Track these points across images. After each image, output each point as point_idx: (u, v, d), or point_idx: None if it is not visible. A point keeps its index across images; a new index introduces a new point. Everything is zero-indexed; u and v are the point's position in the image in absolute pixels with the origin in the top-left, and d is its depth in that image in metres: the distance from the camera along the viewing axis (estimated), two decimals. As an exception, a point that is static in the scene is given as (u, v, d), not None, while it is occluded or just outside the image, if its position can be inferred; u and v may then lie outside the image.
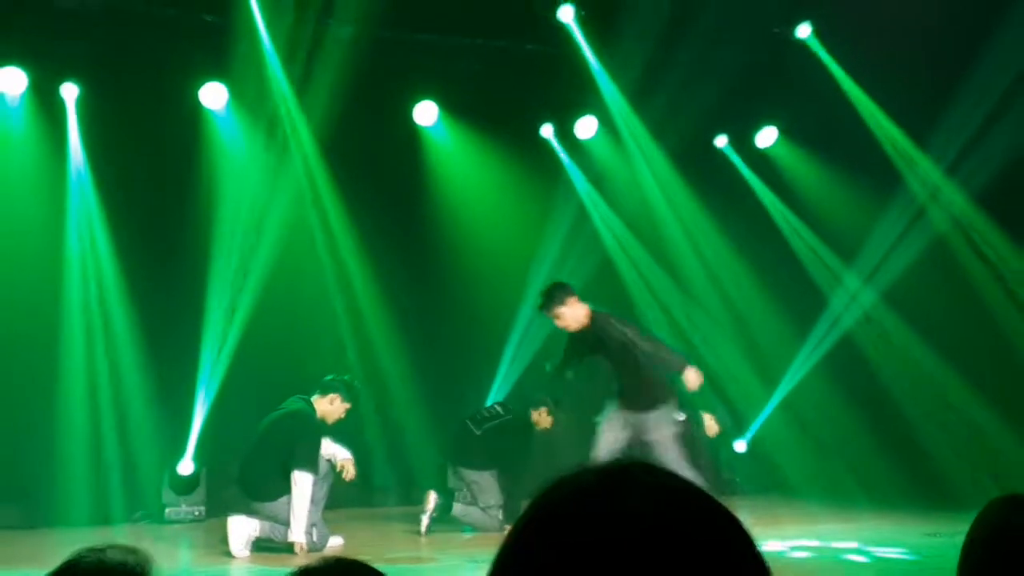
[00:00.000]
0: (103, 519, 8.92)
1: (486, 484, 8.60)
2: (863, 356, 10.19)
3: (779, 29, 10.06)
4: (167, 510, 9.21)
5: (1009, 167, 9.06)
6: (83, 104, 9.07)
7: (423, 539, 8.50)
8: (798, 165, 10.88)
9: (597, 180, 10.78)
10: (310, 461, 7.54)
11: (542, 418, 8.88)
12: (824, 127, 10.30)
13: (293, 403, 7.87)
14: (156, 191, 9.10)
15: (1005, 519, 1.85)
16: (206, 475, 9.28)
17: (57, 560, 1.87)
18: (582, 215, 10.75)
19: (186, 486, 9.24)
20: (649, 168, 10.55)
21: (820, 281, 10.64)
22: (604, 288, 9.95)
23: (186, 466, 9.20)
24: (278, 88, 9.36)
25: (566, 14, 9.85)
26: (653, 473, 0.95)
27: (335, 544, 7.90)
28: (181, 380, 9.22)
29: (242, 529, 7.57)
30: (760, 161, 11.01)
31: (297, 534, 7.52)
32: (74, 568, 1.88)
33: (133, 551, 1.88)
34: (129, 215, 9.18)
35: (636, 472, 0.95)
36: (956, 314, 9.56)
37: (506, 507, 8.54)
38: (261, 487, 7.61)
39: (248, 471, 7.72)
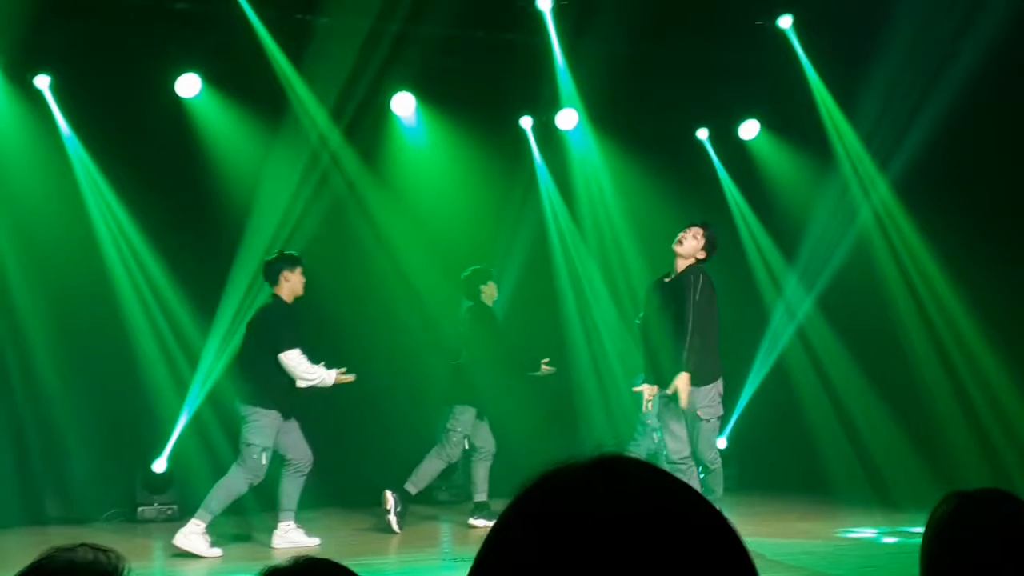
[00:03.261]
0: (74, 518, 8.76)
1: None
2: (812, 353, 10.30)
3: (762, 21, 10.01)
4: (139, 509, 9.06)
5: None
6: (58, 93, 8.91)
7: (399, 536, 8.41)
8: (777, 159, 10.84)
9: (563, 173, 10.66)
10: (291, 341, 7.82)
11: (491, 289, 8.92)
12: (796, 121, 10.36)
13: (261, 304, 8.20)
14: (146, 186, 8.97)
15: (953, 513, 1.98)
16: (179, 474, 9.13)
17: (26, 560, 1.78)
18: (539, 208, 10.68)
19: (160, 484, 9.09)
20: (619, 161, 10.48)
21: (768, 277, 10.75)
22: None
23: (160, 464, 9.06)
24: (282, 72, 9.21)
25: (544, 3, 9.78)
26: (638, 469, 0.95)
27: (311, 544, 7.81)
28: (176, 378, 9.09)
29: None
30: (739, 154, 10.93)
31: (319, 374, 7.82)
32: (43, 569, 1.80)
33: (104, 550, 1.80)
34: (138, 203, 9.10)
35: (621, 468, 0.94)
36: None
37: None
38: (261, 386, 7.83)
39: (246, 375, 7.95)
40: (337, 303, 9.35)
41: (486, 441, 8.92)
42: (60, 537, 2.17)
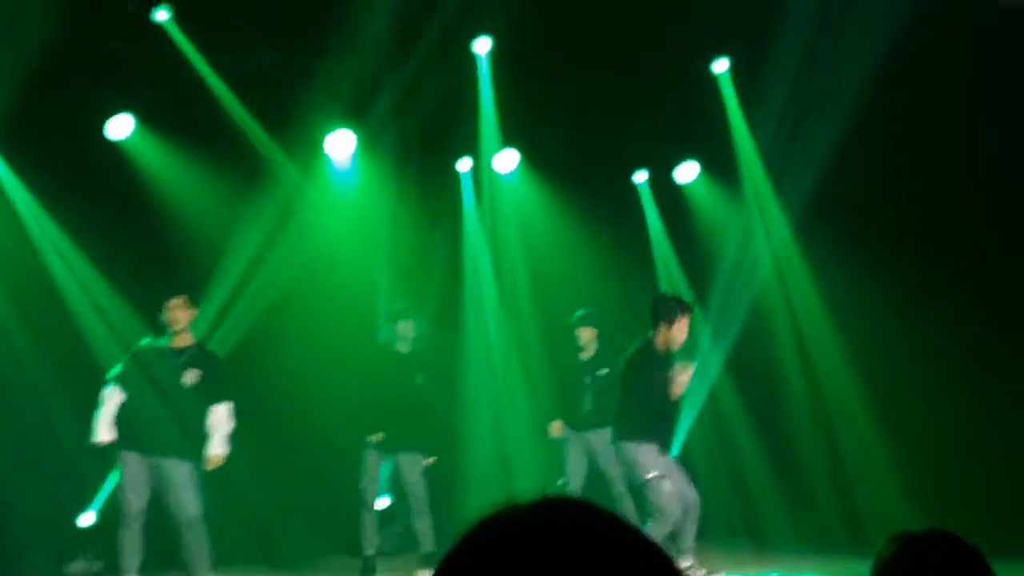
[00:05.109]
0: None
1: None
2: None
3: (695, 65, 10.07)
4: (65, 564, 8.70)
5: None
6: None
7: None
8: (711, 204, 10.85)
9: (497, 217, 10.60)
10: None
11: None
12: (730, 166, 10.41)
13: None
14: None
15: (898, 555, 1.97)
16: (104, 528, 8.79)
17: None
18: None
19: (87, 540, 8.76)
20: (554, 204, 10.47)
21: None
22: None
23: (88, 518, 8.73)
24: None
25: (481, 47, 9.77)
26: (581, 508, 0.94)
27: None
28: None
29: None
30: (674, 198, 10.92)
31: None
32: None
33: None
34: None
35: (564, 508, 0.94)
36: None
37: None
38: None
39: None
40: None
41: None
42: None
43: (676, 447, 9.55)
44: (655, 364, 7.40)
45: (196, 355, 7.59)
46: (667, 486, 7.25)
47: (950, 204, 8.99)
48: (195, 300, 7.72)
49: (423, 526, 8.68)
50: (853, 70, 8.90)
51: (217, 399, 7.50)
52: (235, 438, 7.64)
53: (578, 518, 0.93)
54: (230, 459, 8.07)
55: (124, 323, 8.64)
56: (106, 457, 8.44)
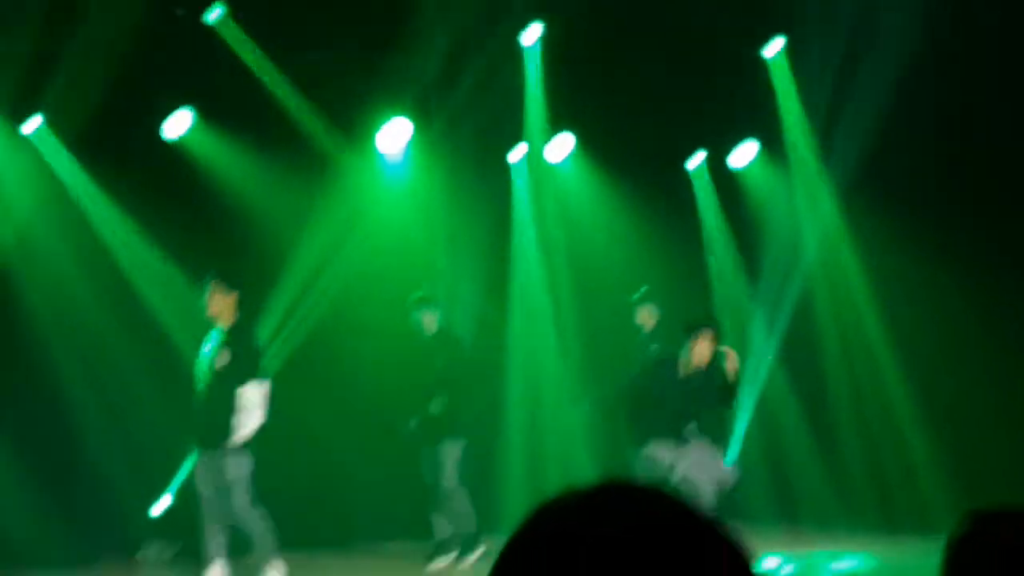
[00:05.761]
0: (76, 559, 8.58)
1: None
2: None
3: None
4: (138, 553, 8.94)
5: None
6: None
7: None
8: (768, 187, 10.84)
9: (550, 204, 10.67)
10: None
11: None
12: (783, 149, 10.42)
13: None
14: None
15: (973, 533, 1.89)
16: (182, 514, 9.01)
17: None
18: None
19: (161, 525, 8.99)
20: (606, 190, 10.53)
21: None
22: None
23: (163, 504, 8.97)
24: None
25: (533, 33, 9.85)
26: (644, 490, 0.96)
27: None
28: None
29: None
30: (729, 182, 10.92)
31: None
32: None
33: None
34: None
35: (628, 490, 0.95)
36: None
37: None
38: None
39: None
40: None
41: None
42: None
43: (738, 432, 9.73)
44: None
45: (230, 337, 7.54)
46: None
47: (998, 176, 8.95)
48: (232, 285, 7.60)
49: (442, 514, 8.78)
50: (898, 42, 8.89)
51: (243, 380, 7.42)
52: (290, 421, 7.76)
53: (639, 501, 0.95)
54: (300, 442, 8.27)
55: (190, 310, 8.91)
56: (181, 445, 8.73)
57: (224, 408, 7.35)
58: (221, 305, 7.49)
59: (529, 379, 10.16)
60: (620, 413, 7.88)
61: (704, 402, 7.52)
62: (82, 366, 8.83)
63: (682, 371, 7.47)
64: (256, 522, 7.50)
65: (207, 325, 7.75)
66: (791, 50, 10.08)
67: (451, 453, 8.60)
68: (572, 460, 9.79)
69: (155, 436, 8.89)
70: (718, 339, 7.50)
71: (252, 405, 7.38)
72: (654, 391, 7.48)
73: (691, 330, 7.48)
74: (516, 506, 9.22)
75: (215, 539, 7.52)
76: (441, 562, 8.67)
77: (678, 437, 7.49)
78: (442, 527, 8.76)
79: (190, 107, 9.22)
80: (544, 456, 9.83)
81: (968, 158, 9.07)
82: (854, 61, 9.31)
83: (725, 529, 0.95)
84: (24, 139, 8.84)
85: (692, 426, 7.55)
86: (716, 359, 7.45)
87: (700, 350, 7.41)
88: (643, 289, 9.38)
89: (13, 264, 8.80)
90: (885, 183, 9.36)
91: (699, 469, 7.38)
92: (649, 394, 7.51)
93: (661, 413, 7.43)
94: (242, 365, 7.41)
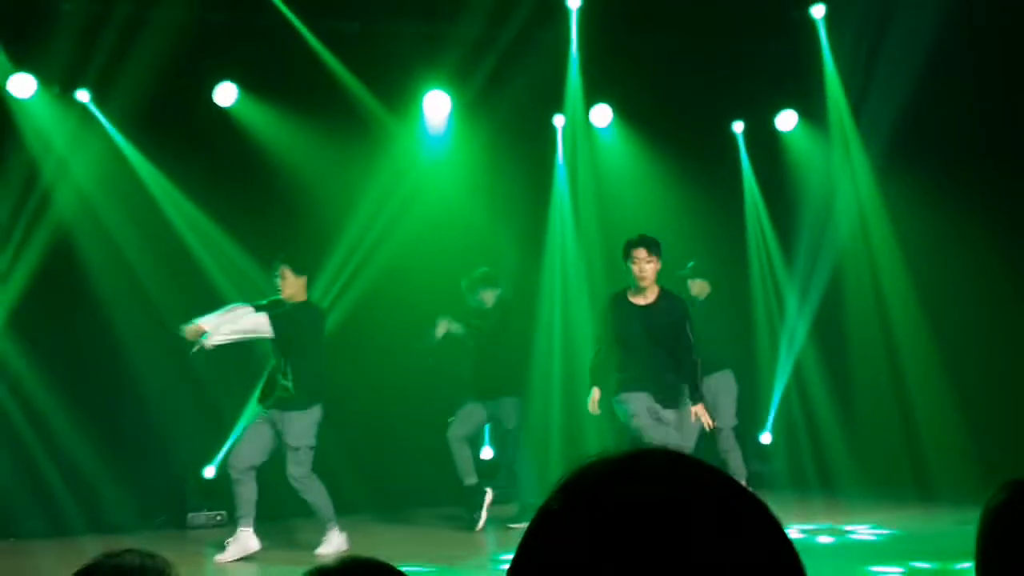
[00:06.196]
0: (122, 525, 8.77)
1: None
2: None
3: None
4: (189, 515, 9.15)
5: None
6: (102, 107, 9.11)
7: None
8: (809, 152, 10.71)
9: (592, 171, 10.62)
10: None
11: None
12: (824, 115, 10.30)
13: None
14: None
15: (1010, 501, 1.90)
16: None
17: (73, 567, 1.82)
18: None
19: (210, 491, 9.15)
20: (649, 157, 10.47)
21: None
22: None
23: (211, 470, 9.13)
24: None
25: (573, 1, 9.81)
26: (679, 458, 0.96)
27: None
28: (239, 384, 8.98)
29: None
30: (772, 148, 10.81)
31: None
32: (91, 573, 1.84)
33: (151, 555, 1.85)
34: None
35: (663, 457, 0.96)
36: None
37: None
38: None
39: None
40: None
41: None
42: (109, 545, 2.21)
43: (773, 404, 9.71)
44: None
45: (284, 312, 7.89)
46: None
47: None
48: (300, 268, 7.98)
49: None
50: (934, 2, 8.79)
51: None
52: (350, 393, 8.02)
53: (676, 466, 0.96)
54: (345, 409, 8.40)
55: (245, 278, 9.11)
56: (231, 411, 8.89)
57: (304, 378, 7.79)
58: (295, 287, 7.87)
59: (567, 353, 10.17)
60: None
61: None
62: (141, 330, 9.03)
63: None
64: (316, 488, 7.80)
65: (261, 292, 8.03)
66: (829, 13, 9.95)
67: (515, 406, 8.90)
68: (606, 428, 9.84)
69: (207, 403, 9.08)
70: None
71: (246, 325, 7.74)
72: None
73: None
74: (552, 471, 9.26)
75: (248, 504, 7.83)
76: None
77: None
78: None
79: (235, 79, 9.30)
80: (581, 426, 9.87)
81: (1006, 120, 8.90)
82: (890, 22, 9.16)
83: (759, 496, 0.96)
84: (80, 106, 8.99)
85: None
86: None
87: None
88: (690, 264, 9.35)
89: (77, 228, 8.99)
90: (922, 146, 9.23)
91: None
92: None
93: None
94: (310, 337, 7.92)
